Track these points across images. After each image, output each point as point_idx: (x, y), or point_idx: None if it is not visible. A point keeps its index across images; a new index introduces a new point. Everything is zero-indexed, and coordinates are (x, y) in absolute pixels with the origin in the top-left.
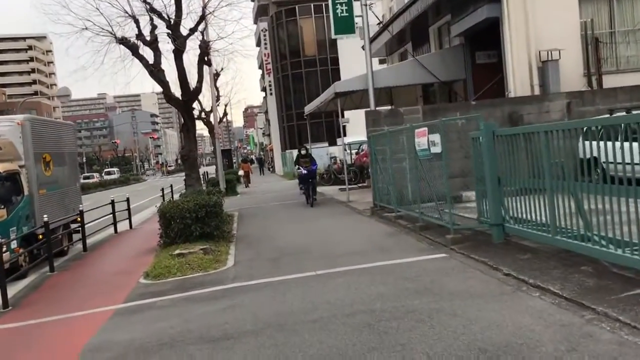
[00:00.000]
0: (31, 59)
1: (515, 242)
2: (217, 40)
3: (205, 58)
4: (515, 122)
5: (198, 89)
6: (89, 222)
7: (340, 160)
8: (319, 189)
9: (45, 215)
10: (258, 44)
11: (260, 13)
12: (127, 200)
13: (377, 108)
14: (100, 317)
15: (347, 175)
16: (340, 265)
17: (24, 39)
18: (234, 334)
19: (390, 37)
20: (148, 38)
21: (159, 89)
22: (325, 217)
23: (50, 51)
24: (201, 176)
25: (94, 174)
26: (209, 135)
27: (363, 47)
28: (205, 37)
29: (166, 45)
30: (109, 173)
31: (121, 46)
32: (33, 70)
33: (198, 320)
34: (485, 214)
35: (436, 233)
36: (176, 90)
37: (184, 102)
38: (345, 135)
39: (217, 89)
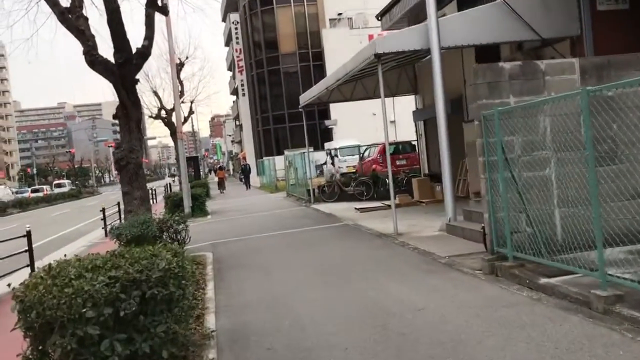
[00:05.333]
0: None
1: None
2: None
3: (159, 1)
4: None
5: (145, 48)
6: None
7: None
8: (320, 206)
9: None
10: (227, 43)
11: (230, 8)
12: (28, 235)
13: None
14: None
15: (357, 188)
16: None
17: None
18: None
19: None
20: None
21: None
22: (384, 269)
23: (2, 55)
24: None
25: (44, 186)
26: (172, 141)
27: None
28: None
29: None
30: (59, 185)
31: None
32: None
33: None
34: None
35: None
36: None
37: (118, 67)
38: (332, 139)
39: (180, 82)
